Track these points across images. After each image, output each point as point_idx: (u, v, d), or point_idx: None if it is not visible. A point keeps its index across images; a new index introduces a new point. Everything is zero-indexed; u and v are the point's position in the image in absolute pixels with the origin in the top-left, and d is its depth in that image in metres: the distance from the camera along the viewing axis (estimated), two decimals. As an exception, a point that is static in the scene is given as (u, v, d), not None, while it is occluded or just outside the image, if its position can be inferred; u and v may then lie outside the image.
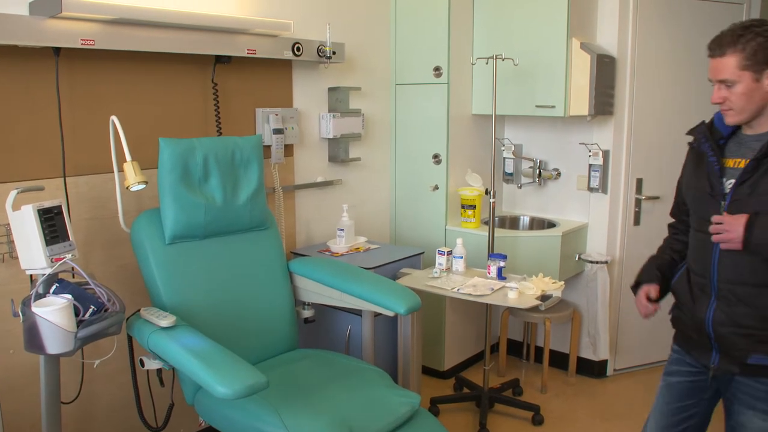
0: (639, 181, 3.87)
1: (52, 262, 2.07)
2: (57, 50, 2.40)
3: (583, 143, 3.84)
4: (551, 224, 3.94)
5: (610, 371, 4.03)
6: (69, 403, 2.54)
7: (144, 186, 2.47)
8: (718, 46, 1.83)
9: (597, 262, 3.81)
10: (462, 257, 3.25)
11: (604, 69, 3.58)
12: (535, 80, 3.63)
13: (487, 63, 3.44)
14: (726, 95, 1.85)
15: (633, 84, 3.74)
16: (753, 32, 1.76)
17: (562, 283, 3.05)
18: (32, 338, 1.96)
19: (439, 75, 3.73)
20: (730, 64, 1.80)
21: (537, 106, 3.65)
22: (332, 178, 3.62)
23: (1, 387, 2.40)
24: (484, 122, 3.98)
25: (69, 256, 2.12)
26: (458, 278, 3.16)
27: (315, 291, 2.83)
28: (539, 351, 4.14)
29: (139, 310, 2.34)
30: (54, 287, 2.07)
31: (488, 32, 3.81)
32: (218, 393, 1.94)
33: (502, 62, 3.41)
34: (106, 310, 2.08)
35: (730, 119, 1.89)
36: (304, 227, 3.51)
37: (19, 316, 2.00)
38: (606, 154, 3.77)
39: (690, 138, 2.06)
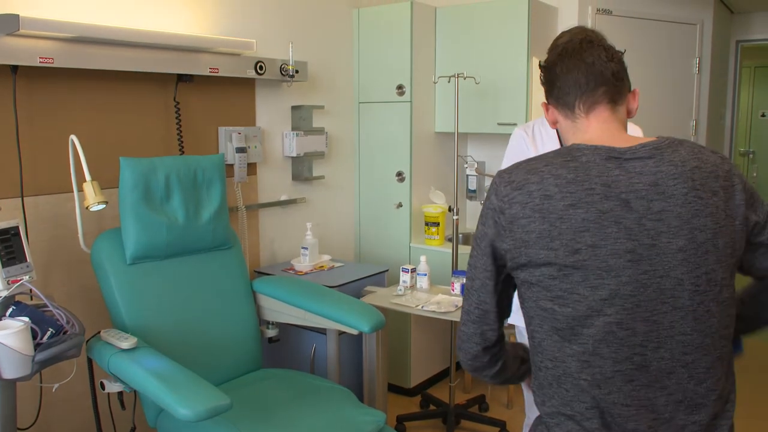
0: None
1: (8, 284, 2.03)
2: (14, 68, 2.36)
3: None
4: (514, 240, 3.97)
5: (574, 386, 4.06)
6: (26, 429, 2.47)
7: (104, 206, 2.44)
8: None
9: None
10: (426, 274, 3.25)
11: (564, 87, 3.64)
12: (496, 98, 3.68)
13: (449, 81, 3.48)
14: None
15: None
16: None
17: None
18: (-12, 362, 1.91)
19: (402, 93, 3.76)
20: None
21: (499, 124, 3.69)
22: (296, 196, 3.61)
23: (-45, 413, 2.33)
24: (446, 140, 4.01)
25: (26, 277, 2.08)
26: (422, 295, 3.16)
27: (279, 310, 2.81)
28: (504, 367, 4.16)
29: (99, 332, 2.30)
30: (11, 310, 2.02)
31: (450, 51, 3.86)
32: (180, 415, 1.92)
33: (464, 81, 3.45)
34: (64, 333, 2.04)
35: None
36: (268, 246, 3.50)
37: (-26, 340, 1.95)
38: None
39: None
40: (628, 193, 1.20)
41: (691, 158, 1.23)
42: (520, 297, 1.32)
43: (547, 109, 1.43)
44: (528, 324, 1.31)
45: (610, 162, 1.23)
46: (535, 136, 2.35)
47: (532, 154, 2.33)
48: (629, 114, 1.40)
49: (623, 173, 1.22)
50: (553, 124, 1.43)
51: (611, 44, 1.38)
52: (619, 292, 1.18)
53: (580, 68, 1.34)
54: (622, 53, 1.39)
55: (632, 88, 1.41)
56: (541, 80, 1.44)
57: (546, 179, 1.24)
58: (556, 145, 2.18)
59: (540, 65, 1.44)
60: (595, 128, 1.33)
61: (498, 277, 1.32)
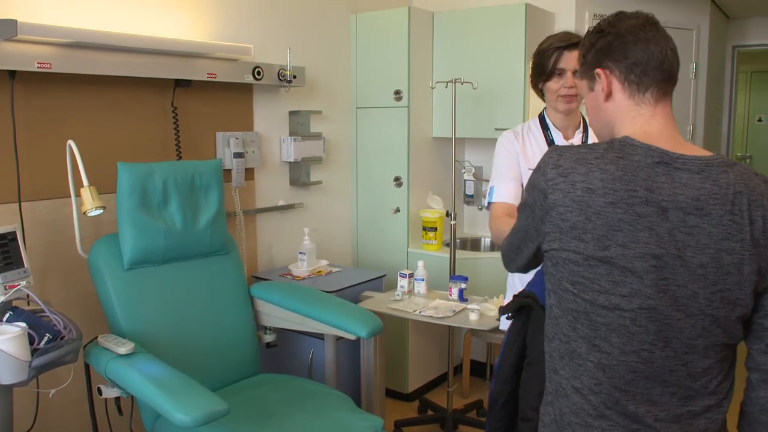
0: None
1: (5, 289, 2.03)
2: (12, 73, 2.37)
3: (541, 165, 3.89)
4: (512, 245, 3.97)
5: (571, 391, 4.06)
6: (23, 435, 2.47)
7: (101, 211, 2.44)
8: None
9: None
10: (423, 279, 3.26)
11: (561, 92, 3.64)
12: (493, 103, 3.68)
13: (446, 87, 3.49)
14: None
15: (589, 107, 3.82)
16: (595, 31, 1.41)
17: (523, 303, 3.07)
18: (-16, 368, 1.90)
19: (399, 98, 3.76)
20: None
21: (496, 129, 3.69)
22: (293, 201, 3.61)
23: (-49, 419, 2.33)
24: (444, 145, 4.02)
25: (23, 283, 2.07)
26: (420, 300, 3.16)
27: (276, 315, 2.81)
28: (502, 372, 4.15)
29: (96, 338, 2.30)
30: (8, 315, 2.02)
31: (448, 56, 3.86)
32: (178, 420, 1.91)
33: (461, 86, 3.45)
34: (62, 338, 2.04)
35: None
36: (266, 251, 3.50)
37: (-30, 345, 1.95)
38: (564, 176, 3.83)
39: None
40: (669, 202, 1.20)
41: (737, 182, 1.22)
42: (545, 270, 1.34)
43: (605, 78, 1.33)
44: (548, 297, 1.34)
45: (660, 167, 1.22)
46: (525, 142, 2.33)
47: (522, 159, 2.26)
48: None
49: (668, 181, 1.21)
50: (608, 96, 1.34)
51: None
52: (639, 293, 1.20)
53: (665, 52, 1.29)
54: None
55: None
56: (589, 44, 1.35)
57: (593, 172, 1.22)
58: (541, 155, 2.06)
59: (599, 29, 1.34)
60: (659, 121, 1.30)
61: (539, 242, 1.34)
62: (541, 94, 2.31)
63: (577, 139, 2.25)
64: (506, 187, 2.25)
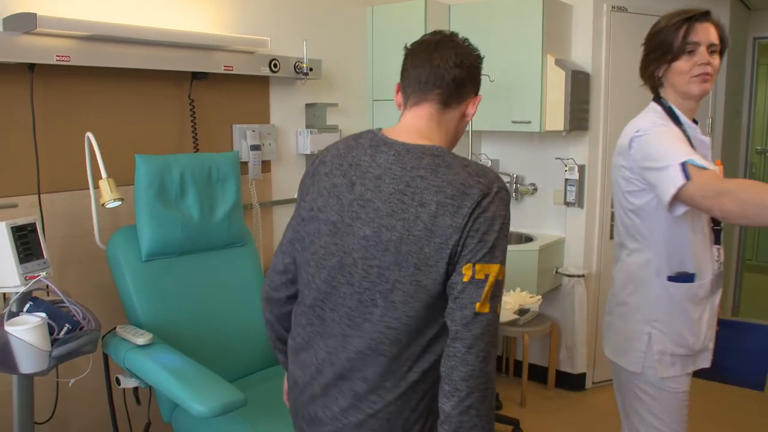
0: (614, 196, 3.91)
1: (25, 280, 2.04)
2: (31, 66, 2.38)
3: (559, 158, 3.88)
4: (528, 238, 3.97)
5: (588, 384, 4.05)
6: (43, 423, 2.50)
7: (120, 203, 2.45)
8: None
9: (574, 276, 3.84)
10: (440, 272, 3.24)
11: (579, 84, 3.62)
12: (511, 96, 3.66)
13: (463, 79, 3.46)
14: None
15: (607, 99, 3.80)
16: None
17: (540, 297, 3.07)
18: (5, 358, 1.93)
19: (415, 91, 3.74)
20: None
21: (513, 122, 3.68)
22: (310, 193, 3.61)
23: (-27, 408, 2.36)
24: (461, 138, 3.99)
25: (43, 274, 2.09)
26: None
27: (293, 307, 2.82)
28: (518, 365, 4.15)
29: (115, 328, 2.32)
30: (28, 306, 2.04)
31: (464, 49, 3.84)
32: (195, 411, 1.93)
33: (478, 78, 3.43)
34: (81, 329, 2.06)
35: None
36: (282, 243, 3.50)
37: (-9, 335, 1.97)
38: (582, 169, 3.81)
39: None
40: (358, 178, 1.37)
41: (425, 169, 1.32)
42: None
43: (397, 91, 1.51)
44: None
45: (371, 149, 1.39)
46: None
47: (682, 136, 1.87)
48: (464, 117, 1.49)
49: (369, 161, 1.37)
50: (399, 106, 1.50)
51: (470, 49, 1.45)
52: (317, 253, 1.41)
53: (425, 67, 1.42)
54: (479, 58, 1.46)
55: (478, 94, 1.48)
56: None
57: (331, 151, 1.48)
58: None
59: (406, 47, 1.52)
60: (408, 118, 1.44)
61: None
62: (654, 82, 1.98)
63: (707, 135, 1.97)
64: (699, 156, 1.77)
